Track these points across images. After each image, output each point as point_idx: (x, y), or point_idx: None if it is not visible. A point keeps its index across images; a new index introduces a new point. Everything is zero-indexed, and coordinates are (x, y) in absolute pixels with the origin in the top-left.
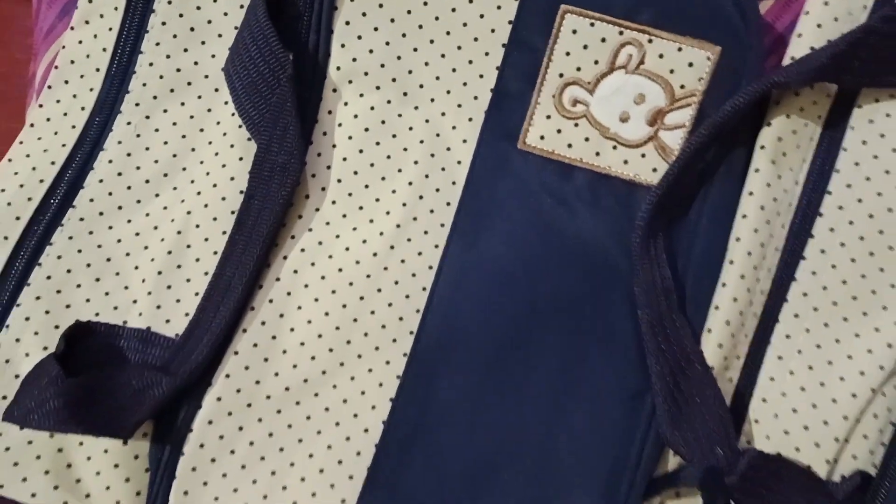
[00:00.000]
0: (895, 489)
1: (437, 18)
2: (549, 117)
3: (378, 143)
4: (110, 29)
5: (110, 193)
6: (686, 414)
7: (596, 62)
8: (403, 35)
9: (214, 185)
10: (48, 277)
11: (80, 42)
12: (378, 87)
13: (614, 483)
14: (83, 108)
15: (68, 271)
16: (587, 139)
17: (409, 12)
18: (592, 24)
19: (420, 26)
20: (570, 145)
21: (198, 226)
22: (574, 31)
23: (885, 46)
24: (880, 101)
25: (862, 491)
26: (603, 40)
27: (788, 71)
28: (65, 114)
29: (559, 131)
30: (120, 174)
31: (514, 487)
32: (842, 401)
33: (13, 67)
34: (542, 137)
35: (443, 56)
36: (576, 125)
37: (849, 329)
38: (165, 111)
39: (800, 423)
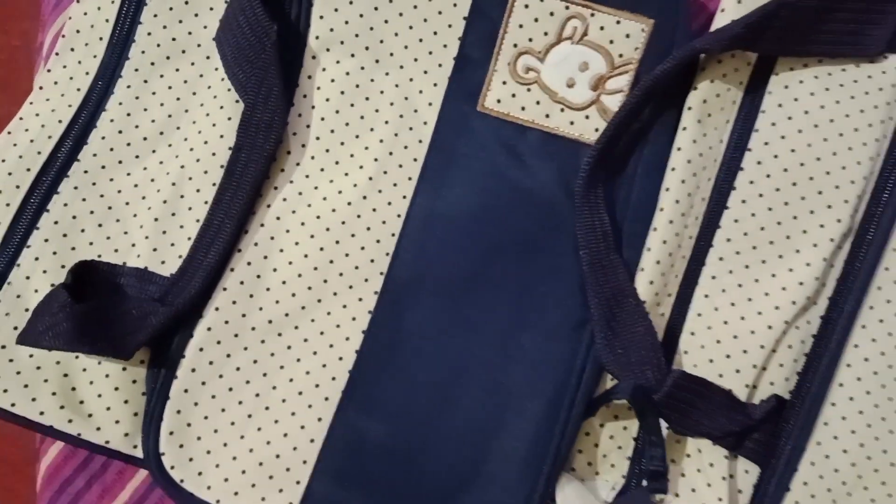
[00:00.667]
0: (805, 410)
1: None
2: (504, 83)
3: (353, 105)
4: (112, 1)
5: (112, 149)
6: (621, 341)
7: (545, 34)
8: (376, 8)
9: (206, 142)
10: (55, 223)
11: (85, 13)
12: (353, 55)
13: (558, 401)
14: (87, 73)
15: (73, 217)
16: (538, 102)
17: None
18: (542, 0)
19: (386, 20)
20: (523, 108)
21: (190, 178)
22: (526, 6)
23: (797, 18)
24: (794, 70)
25: (777, 413)
26: (551, 14)
27: (707, 38)
28: (71, 78)
29: (514, 95)
30: (120, 132)
31: (472, 402)
32: (759, 332)
33: (12, 54)
34: (498, 101)
35: (410, 28)
36: (528, 90)
37: (766, 269)
38: (162, 76)
39: (723, 352)
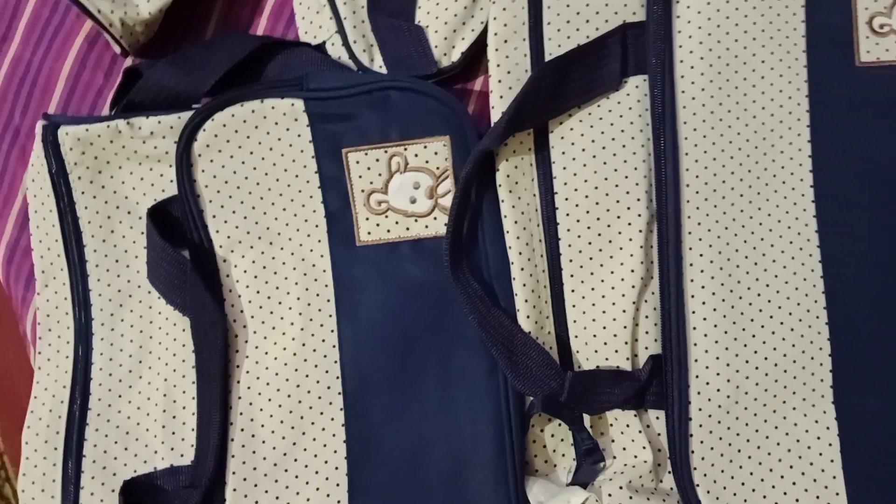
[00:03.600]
0: (676, 357)
1: (276, 182)
2: (367, 219)
3: (266, 282)
4: (64, 284)
5: (110, 389)
6: (523, 369)
7: (380, 174)
8: (253, 207)
9: (174, 354)
10: (93, 461)
11: (48, 300)
12: (251, 247)
13: (500, 430)
14: (68, 342)
15: (105, 452)
16: (397, 223)
17: (250, 186)
18: (366, 154)
19: (261, 198)
20: (388, 230)
21: (175, 385)
22: (357, 162)
23: (542, 95)
24: (563, 123)
25: (659, 368)
26: (377, 160)
27: (488, 138)
28: (57, 350)
29: (378, 225)
30: (110, 375)
31: (438, 456)
32: (619, 317)
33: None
34: (369, 233)
35: (284, 209)
36: (386, 217)
37: (605, 270)
38: (122, 320)
39: (601, 341)
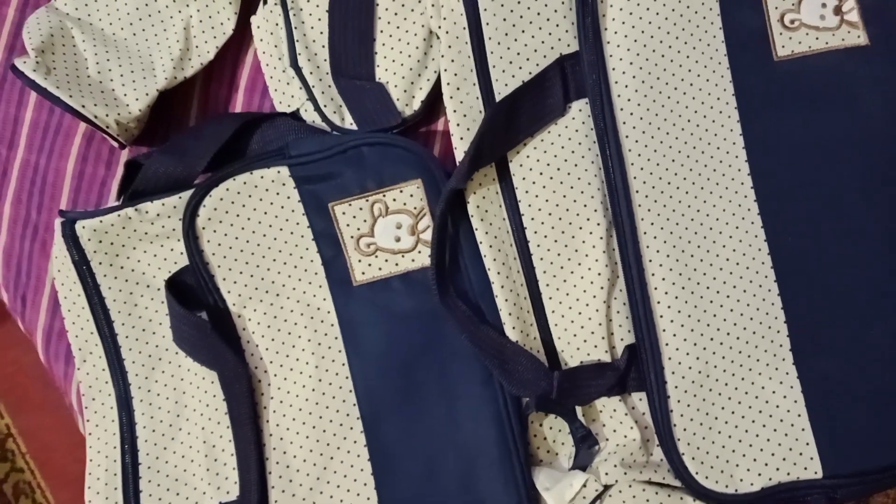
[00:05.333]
0: (648, 344)
1: (274, 241)
2: (360, 261)
3: (279, 330)
4: (100, 357)
5: (155, 444)
6: (515, 374)
7: (365, 220)
8: (258, 266)
9: (207, 405)
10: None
11: (88, 373)
12: (261, 301)
13: (502, 431)
14: (111, 408)
15: (160, 499)
16: (386, 261)
17: (252, 248)
18: (350, 205)
19: (263, 257)
20: (379, 269)
21: (212, 432)
22: (343, 213)
23: (497, 133)
24: (520, 151)
25: (635, 355)
26: (360, 209)
27: (454, 178)
28: (103, 417)
29: (369, 265)
30: (153, 431)
31: (452, 462)
32: (594, 316)
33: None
34: (363, 273)
35: (285, 263)
36: (376, 257)
37: (576, 275)
38: (157, 381)
39: (581, 338)
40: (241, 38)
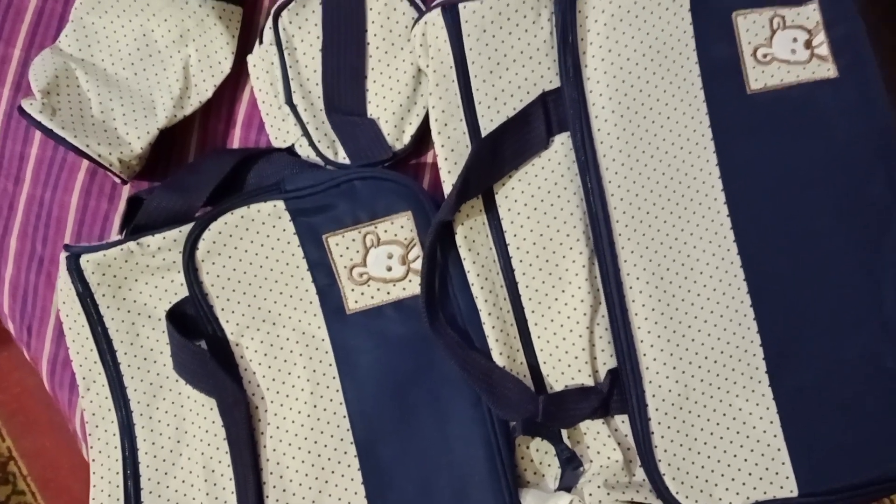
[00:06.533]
0: (629, 368)
1: (270, 272)
2: (353, 290)
3: (276, 358)
4: (103, 385)
5: (157, 469)
6: (502, 398)
7: (357, 251)
8: (255, 296)
9: (206, 431)
10: None
11: (91, 401)
12: (258, 329)
13: (490, 453)
14: (114, 434)
15: None
16: (378, 289)
17: (249, 278)
18: (343, 236)
19: (260, 287)
20: (372, 297)
21: (211, 457)
22: (336, 244)
23: (482, 167)
24: (505, 184)
25: (617, 378)
26: (353, 240)
27: (442, 210)
28: (106, 443)
29: (362, 294)
30: (155, 457)
31: (444, 483)
32: (577, 341)
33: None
34: (356, 302)
35: (281, 293)
36: (368, 286)
37: (560, 302)
38: (158, 408)
39: (566, 363)
40: (237, 75)
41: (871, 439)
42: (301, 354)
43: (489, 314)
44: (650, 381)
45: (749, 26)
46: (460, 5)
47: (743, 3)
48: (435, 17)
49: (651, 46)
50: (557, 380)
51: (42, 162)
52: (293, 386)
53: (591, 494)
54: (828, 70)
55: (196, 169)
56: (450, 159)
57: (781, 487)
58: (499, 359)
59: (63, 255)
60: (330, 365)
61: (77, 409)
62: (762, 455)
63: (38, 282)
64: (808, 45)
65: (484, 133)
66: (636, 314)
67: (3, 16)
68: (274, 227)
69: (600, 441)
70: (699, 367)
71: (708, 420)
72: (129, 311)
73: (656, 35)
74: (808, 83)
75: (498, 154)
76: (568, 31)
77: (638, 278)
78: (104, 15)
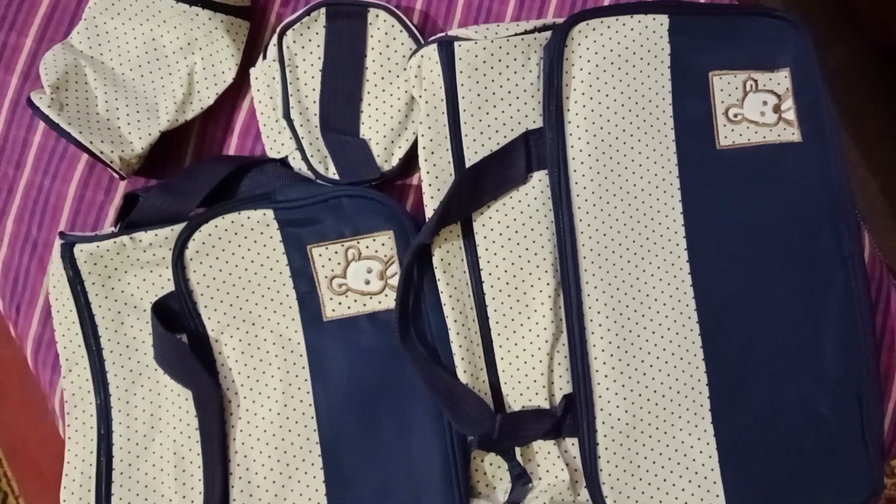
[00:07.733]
0: (583, 395)
1: (254, 275)
2: (331, 299)
3: (252, 357)
4: (85, 368)
5: (129, 452)
6: (463, 414)
7: (339, 263)
8: (237, 297)
9: (180, 421)
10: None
11: (72, 382)
12: (238, 329)
13: (447, 465)
14: (91, 416)
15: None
16: (355, 300)
17: (234, 280)
18: (327, 248)
19: (243, 289)
20: (348, 307)
21: (183, 445)
22: (320, 255)
23: (463, 196)
24: (483, 213)
25: (571, 403)
26: (336, 252)
27: (423, 233)
28: (83, 423)
29: (340, 303)
30: (129, 439)
31: (401, 490)
32: (537, 366)
33: None
34: (333, 310)
35: (262, 297)
36: (346, 296)
37: (525, 328)
38: (135, 395)
39: (525, 385)
40: (239, 85)
41: (801, 476)
42: (277, 356)
43: (457, 333)
44: (601, 409)
45: (724, 86)
46: (456, 43)
47: (720, 64)
48: (431, 51)
49: (630, 98)
50: (516, 400)
51: (44, 150)
52: (266, 385)
53: None
54: (792, 134)
55: (192, 174)
56: (434, 185)
57: None
58: (463, 376)
59: (58, 243)
60: (303, 368)
61: (57, 388)
62: (698, 486)
63: (30, 264)
64: (776, 109)
65: (468, 164)
66: (594, 345)
67: (18, 6)
68: (262, 234)
69: (550, 461)
70: (648, 399)
71: (652, 449)
72: (116, 301)
73: (636, 87)
74: (773, 144)
75: (479, 185)
76: (554, 76)
77: (599, 312)
78: (116, 17)
